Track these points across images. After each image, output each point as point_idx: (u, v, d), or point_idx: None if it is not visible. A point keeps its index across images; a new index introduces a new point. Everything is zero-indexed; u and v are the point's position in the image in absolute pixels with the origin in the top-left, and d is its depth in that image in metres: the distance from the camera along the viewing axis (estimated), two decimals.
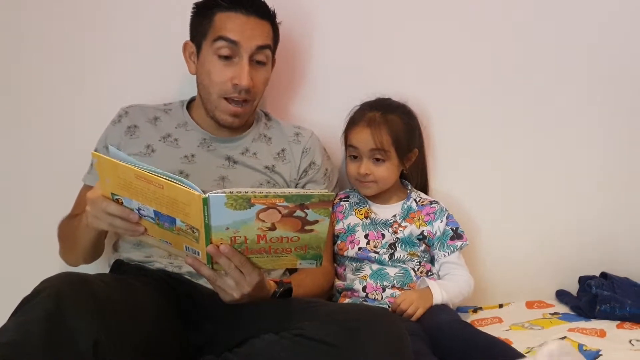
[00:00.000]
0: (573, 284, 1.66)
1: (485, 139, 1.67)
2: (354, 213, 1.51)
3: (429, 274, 1.48)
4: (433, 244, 1.48)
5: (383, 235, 1.47)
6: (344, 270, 1.49)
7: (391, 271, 1.45)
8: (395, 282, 1.44)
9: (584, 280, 1.62)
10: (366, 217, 1.50)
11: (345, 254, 1.48)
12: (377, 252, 1.45)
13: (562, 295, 1.66)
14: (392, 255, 1.46)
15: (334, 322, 1.03)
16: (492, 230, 1.66)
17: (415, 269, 1.46)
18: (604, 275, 1.63)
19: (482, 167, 1.67)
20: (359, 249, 1.46)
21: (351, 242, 1.48)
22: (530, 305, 1.63)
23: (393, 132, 1.44)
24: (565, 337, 1.34)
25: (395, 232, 1.47)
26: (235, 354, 1.04)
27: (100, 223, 1.06)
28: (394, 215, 1.49)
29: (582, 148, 1.70)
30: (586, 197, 1.70)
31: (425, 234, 1.48)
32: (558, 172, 1.69)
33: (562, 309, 1.59)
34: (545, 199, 1.70)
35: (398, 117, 1.46)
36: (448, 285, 1.42)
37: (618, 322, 1.47)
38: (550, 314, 1.56)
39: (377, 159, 1.45)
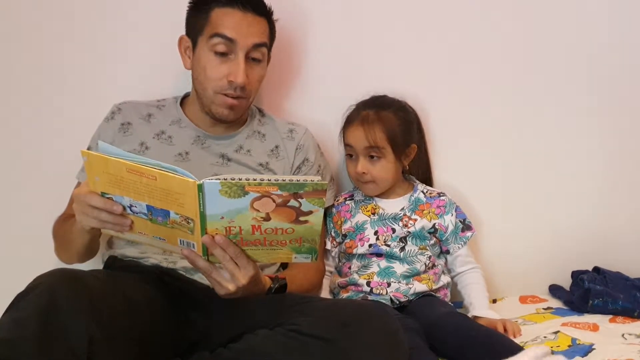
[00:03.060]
0: (566, 278, 1.66)
1: (481, 137, 1.67)
2: (360, 210, 1.51)
3: (434, 266, 1.48)
4: (447, 239, 1.49)
5: (393, 230, 1.47)
6: (349, 268, 1.49)
7: (399, 269, 1.44)
8: (401, 278, 1.44)
9: (576, 275, 1.63)
10: (373, 213, 1.50)
11: (354, 251, 1.48)
12: (388, 245, 1.45)
13: (555, 290, 1.66)
14: (402, 248, 1.46)
15: (329, 318, 1.03)
16: (485, 226, 1.66)
17: (426, 264, 1.46)
18: (596, 269, 1.64)
19: (476, 166, 1.67)
20: (370, 245, 1.46)
21: (360, 239, 1.48)
22: (523, 300, 1.64)
23: (387, 129, 1.44)
24: (558, 332, 1.35)
25: (406, 226, 1.47)
26: (229, 350, 1.04)
27: (88, 219, 1.06)
28: (402, 209, 1.49)
29: (575, 145, 1.70)
30: (579, 193, 1.71)
31: (437, 227, 1.48)
32: (551, 168, 1.70)
33: (555, 303, 1.60)
34: (538, 195, 1.70)
35: (392, 114, 1.46)
36: (484, 299, 1.48)
37: (611, 316, 1.48)
38: (543, 308, 1.56)
39: (373, 157, 1.45)
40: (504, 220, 1.69)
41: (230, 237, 1.03)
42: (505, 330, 1.36)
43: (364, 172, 1.45)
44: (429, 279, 1.45)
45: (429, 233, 1.48)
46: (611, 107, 1.70)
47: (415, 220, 1.48)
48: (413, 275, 1.45)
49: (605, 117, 1.70)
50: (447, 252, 1.52)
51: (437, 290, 1.47)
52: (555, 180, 1.70)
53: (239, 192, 0.96)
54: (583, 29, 1.67)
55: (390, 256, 1.46)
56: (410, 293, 1.42)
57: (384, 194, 1.52)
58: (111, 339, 0.95)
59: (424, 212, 1.49)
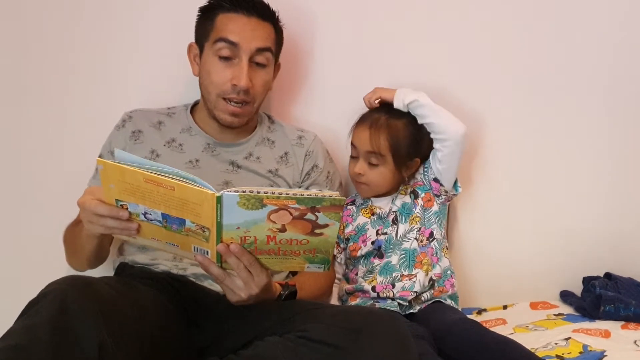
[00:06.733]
0: (577, 284, 1.65)
1: (489, 142, 1.67)
2: (361, 213, 1.52)
3: (431, 238, 1.47)
4: (426, 176, 1.48)
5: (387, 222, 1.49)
6: (356, 274, 1.49)
7: (394, 259, 1.45)
8: (402, 269, 1.44)
9: (588, 281, 1.62)
10: (372, 214, 1.50)
11: (358, 253, 1.48)
12: (385, 234, 1.46)
13: (566, 296, 1.65)
14: (397, 232, 1.46)
15: (338, 324, 1.03)
16: (496, 231, 1.66)
17: (417, 238, 1.46)
18: (608, 275, 1.63)
19: (486, 171, 1.67)
20: (372, 242, 1.47)
21: (363, 241, 1.49)
22: (534, 306, 1.63)
23: (392, 138, 1.43)
24: (569, 338, 1.34)
25: (392, 211, 1.48)
26: (239, 356, 1.04)
27: (95, 227, 1.07)
28: (393, 201, 1.50)
29: (586, 149, 1.69)
30: (590, 198, 1.70)
31: (415, 190, 1.49)
32: (562, 173, 1.69)
33: (566, 309, 1.59)
34: (549, 200, 1.69)
35: (403, 124, 1.44)
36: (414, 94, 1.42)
37: (622, 322, 1.46)
38: (554, 314, 1.55)
39: (372, 161, 1.45)
40: (515, 225, 1.68)
41: (244, 246, 1.03)
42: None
43: (360, 173, 1.46)
44: (427, 263, 1.44)
45: (411, 199, 1.48)
46: (623, 111, 1.69)
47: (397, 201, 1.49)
48: (409, 258, 1.44)
49: (618, 120, 1.69)
50: (438, 181, 1.47)
51: (443, 281, 1.46)
52: (566, 185, 1.69)
53: (257, 204, 0.97)
54: (604, 31, 1.66)
55: (386, 249, 1.46)
56: (415, 287, 1.41)
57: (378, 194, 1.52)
58: (122, 345, 0.96)
59: (401, 191, 1.50)
